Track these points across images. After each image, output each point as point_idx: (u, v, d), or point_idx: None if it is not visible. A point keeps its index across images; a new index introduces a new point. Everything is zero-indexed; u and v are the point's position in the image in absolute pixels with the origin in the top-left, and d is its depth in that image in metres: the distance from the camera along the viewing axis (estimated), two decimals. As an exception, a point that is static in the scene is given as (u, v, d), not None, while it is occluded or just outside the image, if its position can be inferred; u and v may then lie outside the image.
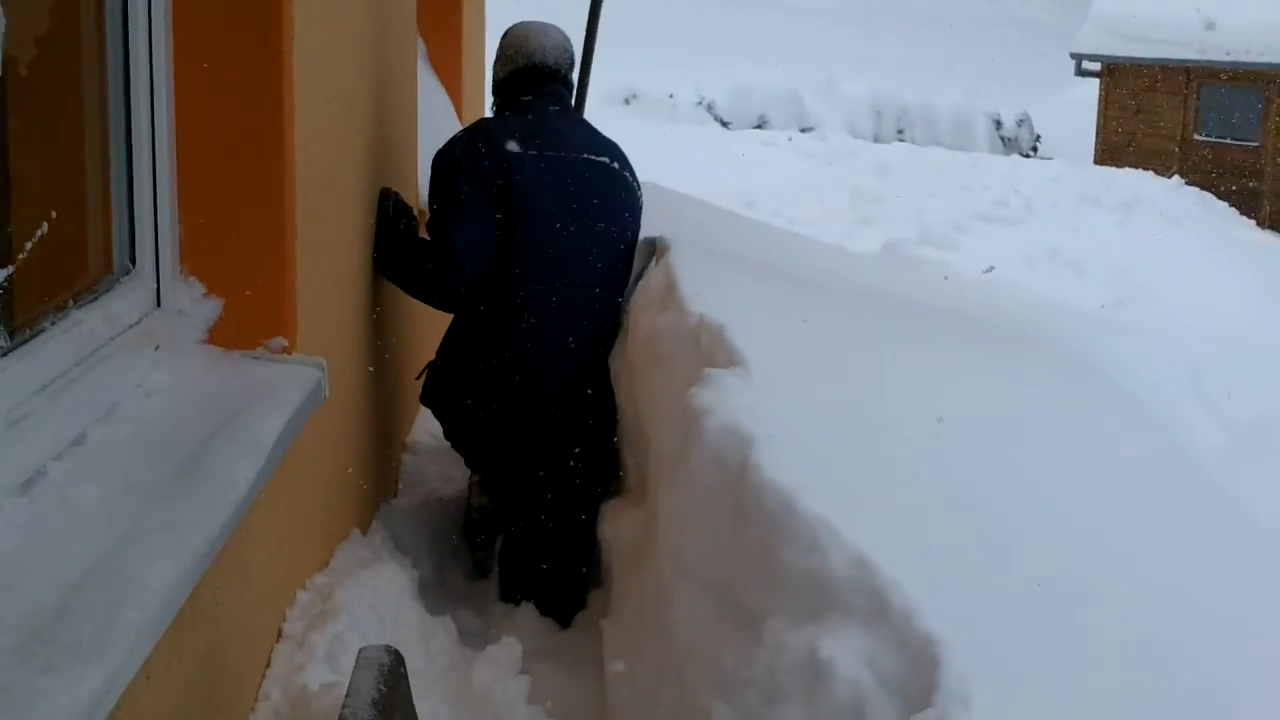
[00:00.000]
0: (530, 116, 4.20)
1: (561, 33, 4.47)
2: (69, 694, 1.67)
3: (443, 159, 4.12)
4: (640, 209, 4.31)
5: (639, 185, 4.36)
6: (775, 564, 2.42)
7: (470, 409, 4.07)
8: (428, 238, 4.08)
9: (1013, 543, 2.59)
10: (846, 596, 2.29)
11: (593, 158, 4.19)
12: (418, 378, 4.22)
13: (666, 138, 13.89)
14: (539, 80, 4.30)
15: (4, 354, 2.09)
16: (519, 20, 4.51)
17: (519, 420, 4.02)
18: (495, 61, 4.45)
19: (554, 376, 4.01)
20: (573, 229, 4.05)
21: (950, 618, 2.19)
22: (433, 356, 4.23)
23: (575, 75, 4.52)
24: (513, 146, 4.05)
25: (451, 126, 6.04)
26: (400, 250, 4.01)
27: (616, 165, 4.25)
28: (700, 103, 21.87)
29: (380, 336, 4.15)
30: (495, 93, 4.42)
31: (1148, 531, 2.90)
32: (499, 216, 3.99)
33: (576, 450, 4.01)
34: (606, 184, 4.17)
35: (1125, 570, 2.61)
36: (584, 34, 4.75)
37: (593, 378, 4.04)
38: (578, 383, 4.03)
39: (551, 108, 4.26)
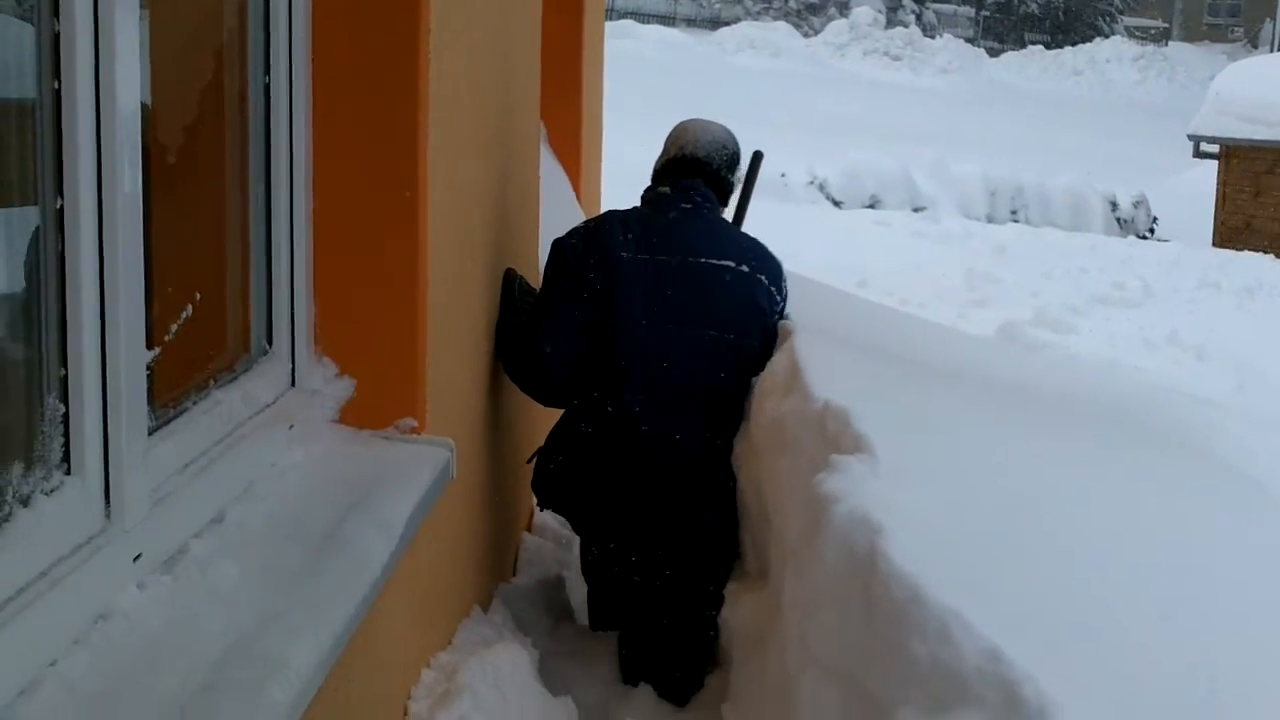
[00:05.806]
0: (655, 213, 4.16)
1: (726, 131, 4.40)
2: (214, 772, 1.70)
3: (556, 249, 4.14)
4: (776, 310, 4.14)
5: (780, 286, 4.20)
6: (905, 654, 2.39)
7: (580, 503, 4.10)
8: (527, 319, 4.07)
9: (1147, 636, 2.54)
10: (978, 689, 2.25)
11: (712, 262, 4.05)
12: (529, 461, 4.24)
13: (779, 217, 13.86)
14: (683, 171, 4.24)
15: (150, 433, 2.14)
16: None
17: (626, 522, 4.03)
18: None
19: (658, 479, 3.97)
20: (673, 337, 3.97)
21: (1086, 714, 2.15)
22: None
23: (734, 175, 4.40)
24: (621, 248, 4.02)
25: (570, 207, 6.11)
26: (509, 343, 4.03)
27: (746, 269, 4.08)
28: (812, 182, 21.81)
29: (504, 417, 4.19)
30: (651, 179, 4.37)
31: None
32: (596, 317, 3.98)
33: (690, 538, 3.99)
34: (723, 290, 4.03)
35: (1268, 670, 2.54)
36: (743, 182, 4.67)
37: (699, 478, 3.97)
38: (683, 483, 3.97)
39: (683, 204, 4.16)
